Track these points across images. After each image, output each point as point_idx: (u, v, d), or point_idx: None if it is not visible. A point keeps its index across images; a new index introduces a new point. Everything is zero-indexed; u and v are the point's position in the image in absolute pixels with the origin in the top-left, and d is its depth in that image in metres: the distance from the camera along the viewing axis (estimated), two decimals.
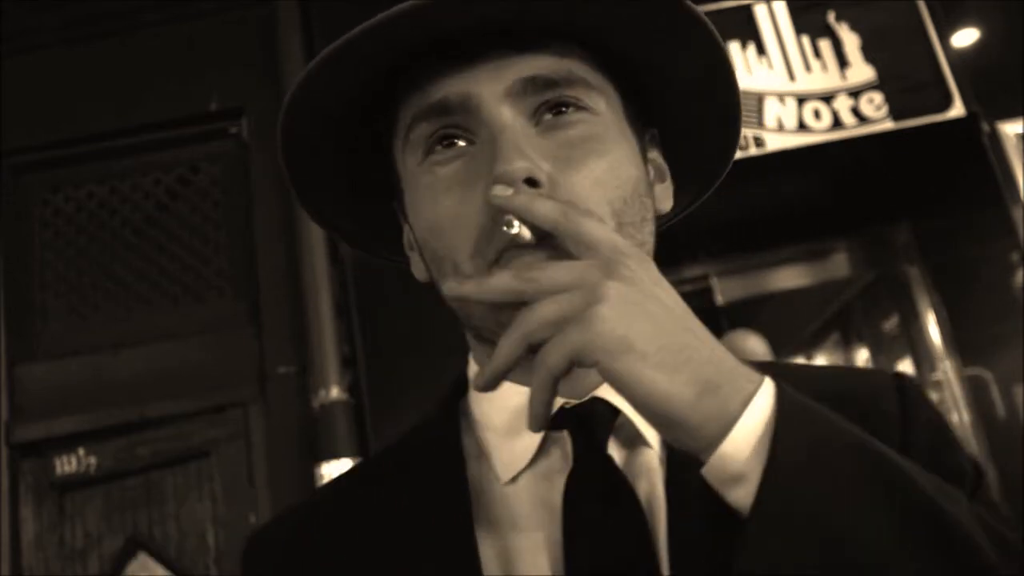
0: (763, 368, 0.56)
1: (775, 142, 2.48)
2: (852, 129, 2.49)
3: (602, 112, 0.62)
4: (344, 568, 0.63)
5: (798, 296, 3.35)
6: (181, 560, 2.31)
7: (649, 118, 0.69)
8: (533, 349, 0.49)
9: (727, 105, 0.69)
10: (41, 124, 2.63)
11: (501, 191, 0.55)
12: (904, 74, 2.54)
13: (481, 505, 0.62)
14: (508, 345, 0.49)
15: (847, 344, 3.76)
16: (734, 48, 2.51)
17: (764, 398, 0.48)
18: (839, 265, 3.18)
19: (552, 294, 0.49)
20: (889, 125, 2.49)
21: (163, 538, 2.34)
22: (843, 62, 2.55)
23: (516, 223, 0.54)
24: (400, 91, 0.63)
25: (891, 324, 3.20)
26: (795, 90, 2.53)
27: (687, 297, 0.54)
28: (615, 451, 0.60)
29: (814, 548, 0.45)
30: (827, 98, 2.52)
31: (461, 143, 0.60)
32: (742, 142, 0.74)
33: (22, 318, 2.53)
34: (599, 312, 0.47)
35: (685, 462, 0.51)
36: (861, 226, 2.99)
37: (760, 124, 2.49)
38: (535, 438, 0.61)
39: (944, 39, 2.56)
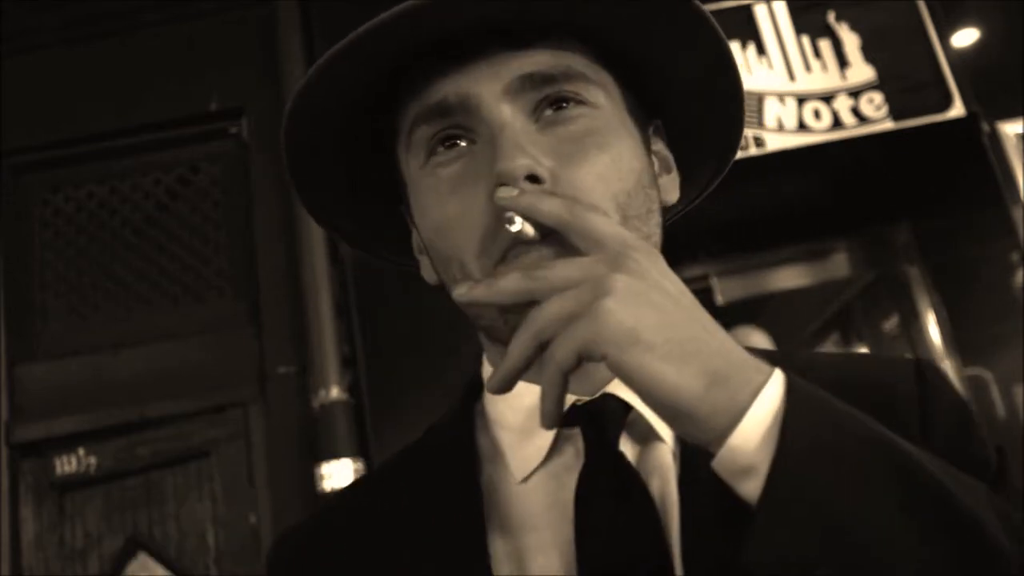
0: (780, 357, 0.55)
1: (775, 142, 2.48)
2: (852, 129, 2.49)
3: (602, 106, 0.61)
4: (362, 571, 0.64)
5: (798, 296, 3.34)
6: (181, 560, 2.31)
7: (652, 110, 0.69)
8: (544, 347, 0.49)
9: (730, 97, 0.69)
10: (41, 124, 2.63)
11: (506, 192, 0.55)
12: (904, 74, 2.54)
13: (496, 505, 0.62)
14: (519, 345, 0.49)
15: (847, 344, 3.76)
16: (734, 48, 2.50)
17: (773, 389, 0.48)
18: (839, 265, 3.18)
19: (561, 291, 0.49)
20: (889, 125, 2.49)
21: (163, 538, 2.34)
22: (843, 62, 2.55)
23: (518, 220, 0.54)
24: (401, 93, 0.63)
25: (891, 324, 3.19)
26: (795, 90, 2.53)
27: None
28: (628, 447, 0.60)
29: (823, 537, 0.44)
30: (827, 98, 2.52)
31: (462, 143, 0.61)
32: (742, 142, 0.74)
33: (22, 318, 2.53)
34: (606, 305, 0.47)
35: (698, 456, 0.50)
36: (861, 226, 2.99)
37: (760, 124, 2.49)
38: (548, 436, 0.61)
39: (944, 39, 2.56)
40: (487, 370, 0.69)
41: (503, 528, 0.61)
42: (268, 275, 2.49)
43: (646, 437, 0.61)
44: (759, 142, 2.47)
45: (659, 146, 0.69)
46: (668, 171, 0.69)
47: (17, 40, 2.61)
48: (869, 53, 2.55)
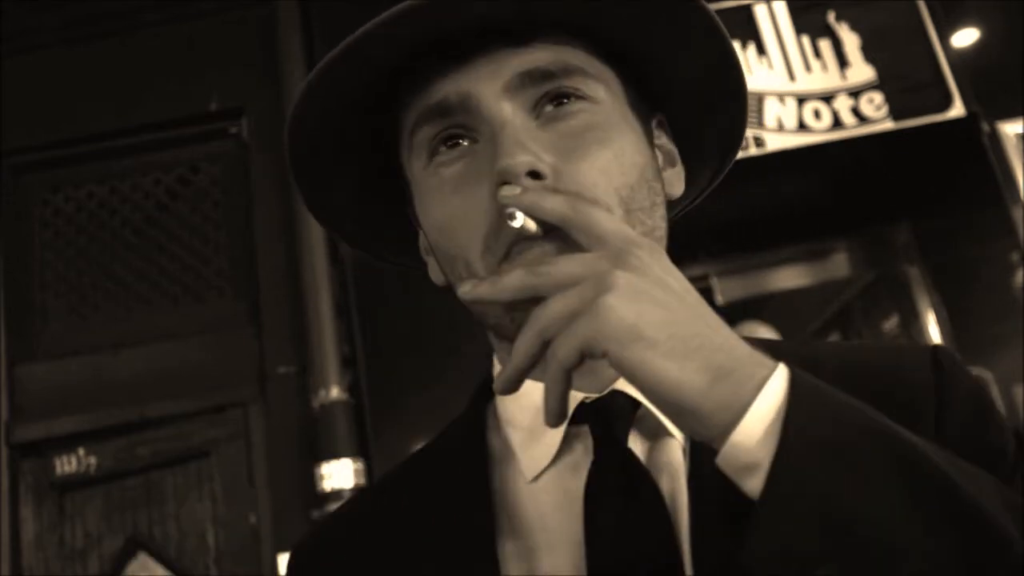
0: (787, 348, 0.54)
1: (775, 142, 2.48)
2: (852, 129, 2.49)
3: (603, 100, 0.61)
4: (376, 573, 0.65)
5: (798, 296, 3.34)
6: (181, 560, 2.31)
7: (655, 103, 0.68)
8: (549, 345, 0.49)
9: (732, 97, 0.69)
10: (41, 124, 2.63)
11: (508, 190, 0.55)
12: (904, 74, 2.54)
13: (506, 504, 0.62)
14: (523, 344, 0.49)
15: None
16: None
17: (777, 383, 0.47)
18: (839, 265, 3.18)
19: (564, 286, 0.49)
20: (889, 125, 2.49)
21: (163, 538, 2.34)
22: (843, 62, 2.55)
23: (519, 215, 0.54)
24: (402, 94, 0.63)
25: (891, 324, 3.19)
26: (795, 90, 2.53)
27: None
28: (637, 444, 0.60)
29: (826, 532, 0.44)
30: (827, 98, 2.52)
31: (464, 143, 0.61)
32: (742, 142, 0.74)
33: (22, 318, 2.53)
34: (607, 302, 0.47)
35: (708, 453, 0.50)
36: (861, 226, 2.99)
37: (760, 124, 2.49)
38: (557, 435, 0.61)
39: (944, 39, 2.56)
40: (497, 369, 0.69)
41: (513, 527, 0.61)
42: (268, 275, 2.49)
43: (656, 433, 0.60)
44: (759, 142, 2.47)
45: (662, 140, 0.69)
46: (672, 165, 0.69)
47: (17, 40, 2.61)
48: (869, 53, 2.55)
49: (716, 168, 0.75)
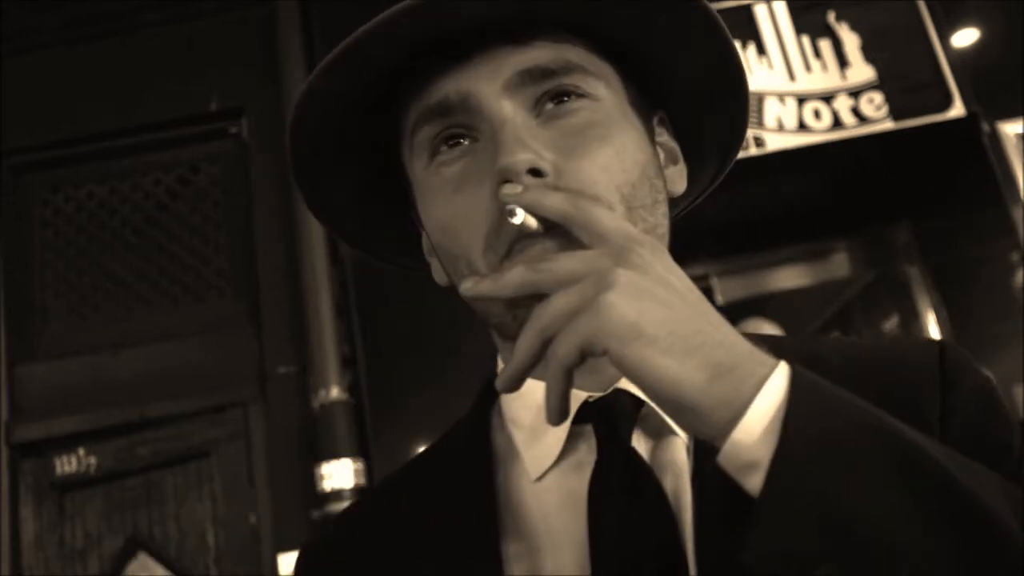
0: (792, 344, 0.54)
1: (775, 142, 2.48)
2: (852, 129, 2.49)
3: (603, 98, 0.61)
4: (381, 573, 0.65)
5: (798, 296, 3.34)
6: (181, 560, 2.31)
7: (656, 100, 0.68)
8: (550, 344, 0.49)
9: (733, 97, 0.69)
10: (41, 124, 2.63)
11: (510, 188, 0.55)
12: (904, 74, 2.54)
13: (511, 504, 0.62)
14: (524, 342, 0.49)
15: None
16: None
17: (777, 381, 0.47)
18: (839, 265, 3.18)
19: (565, 283, 0.49)
20: (889, 125, 2.49)
21: (163, 538, 2.34)
22: (843, 62, 2.55)
23: (520, 211, 0.54)
24: (403, 94, 0.63)
25: (891, 324, 3.19)
26: (795, 90, 2.53)
27: None
28: (641, 443, 0.59)
29: (825, 531, 0.44)
30: (827, 98, 2.52)
31: (465, 142, 0.61)
32: (743, 141, 0.74)
33: (22, 318, 2.53)
34: (607, 300, 0.47)
35: (712, 451, 0.50)
36: (861, 226, 2.99)
37: (760, 124, 2.49)
38: (561, 434, 0.61)
39: (944, 39, 2.56)
40: (501, 368, 0.69)
41: (517, 527, 0.61)
42: (268, 275, 2.49)
43: (659, 432, 0.60)
44: (759, 142, 2.47)
45: (664, 137, 0.69)
46: (674, 162, 0.69)
47: (17, 40, 2.61)
48: (869, 53, 2.55)
49: (718, 167, 0.74)
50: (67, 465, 2.38)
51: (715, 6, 0.62)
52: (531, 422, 0.63)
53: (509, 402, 0.67)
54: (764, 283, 3.14)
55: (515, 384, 0.51)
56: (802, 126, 2.50)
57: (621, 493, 0.56)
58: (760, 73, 2.53)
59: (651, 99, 0.68)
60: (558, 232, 0.54)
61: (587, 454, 0.60)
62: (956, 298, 2.81)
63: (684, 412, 0.48)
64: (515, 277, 0.51)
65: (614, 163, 0.59)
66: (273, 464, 2.33)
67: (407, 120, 0.63)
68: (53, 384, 2.45)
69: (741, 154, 0.74)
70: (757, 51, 2.56)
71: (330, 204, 0.71)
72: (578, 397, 0.60)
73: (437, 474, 0.69)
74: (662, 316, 0.47)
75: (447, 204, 0.60)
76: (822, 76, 2.54)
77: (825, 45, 2.57)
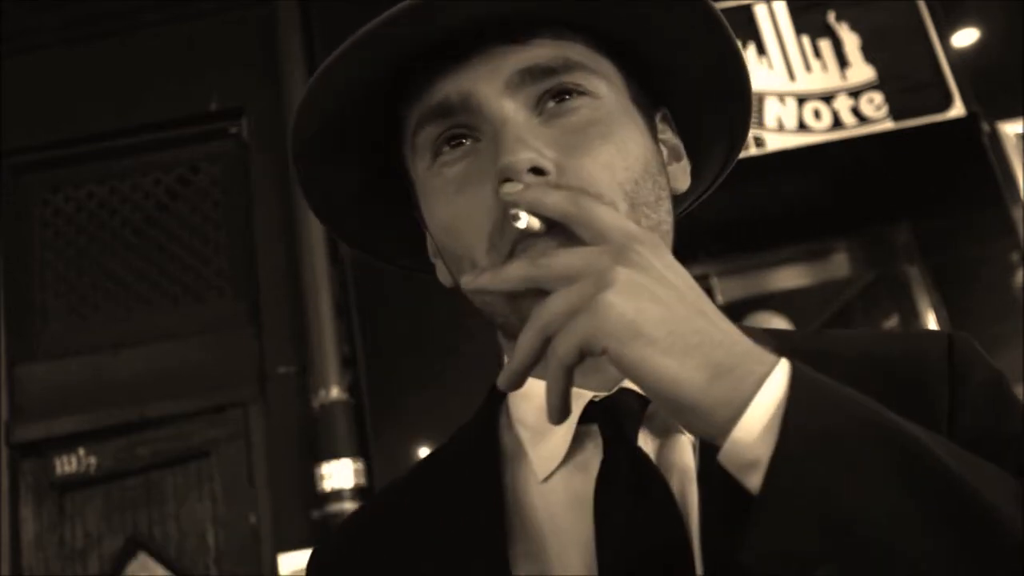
0: (796, 340, 0.53)
1: (775, 142, 2.48)
2: (852, 129, 2.49)
3: (605, 95, 0.61)
4: (389, 573, 0.65)
5: (798, 296, 3.34)
6: (181, 560, 2.31)
7: (658, 97, 0.68)
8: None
9: (735, 97, 0.69)
10: (41, 124, 2.63)
11: (511, 187, 0.55)
12: (904, 74, 2.54)
13: (518, 504, 0.62)
14: (525, 341, 0.49)
15: None
16: None
17: (777, 379, 0.47)
18: (839, 265, 3.18)
19: (565, 277, 0.49)
20: (889, 125, 2.49)
21: (163, 538, 2.34)
22: (843, 62, 2.55)
23: (523, 216, 0.54)
24: (404, 95, 0.63)
25: (891, 324, 3.19)
26: (795, 90, 2.53)
27: None
28: (647, 442, 0.59)
29: (825, 530, 0.44)
30: (827, 98, 2.52)
31: (467, 142, 0.61)
32: (746, 139, 0.74)
33: (22, 318, 2.54)
34: (606, 299, 0.47)
35: (717, 450, 0.49)
36: (861, 226, 2.99)
37: (760, 124, 2.49)
38: (568, 434, 0.61)
39: (944, 39, 2.56)
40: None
41: (524, 527, 0.61)
42: (268, 275, 2.49)
43: (666, 431, 0.60)
44: (759, 142, 2.47)
45: (667, 134, 0.68)
46: (678, 159, 0.68)
47: (17, 40, 2.61)
48: (869, 53, 2.55)
49: (722, 163, 0.74)
50: (67, 465, 2.38)
51: (716, 6, 0.62)
52: (538, 422, 0.63)
53: (516, 402, 0.67)
54: (764, 283, 3.14)
55: (517, 382, 0.51)
56: (802, 126, 2.50)
57: (627, 493, 0.56)
58: (760, 73, 2.53)
59: (653, 96, 0.67)
60: (560, 231, 0.54)
61: (594, 454, 0.60)
62: (956, 298, 2.81)
63: (684, 412, 0.47)
64: (515, 271, 0.51)
65: (616, 160, 0.59)
66: (273, 464, 2.33)
67: (408, 121, 0.63)
68: (53, 384, 2.45)
69: (741, 154, 0.74)
70: (757, 51, 2.56)
71: (331, 204, 0.71)
72: (584, 397, 0.60)
73: (446, 474, 0.69)
74: (661, 315, 0.47)
75: (450, 204, 0.60)
76: (822, 76, 2.54)
77: (825, 45, 2.57)
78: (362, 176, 0.70)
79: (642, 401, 0.59)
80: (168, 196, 2.64)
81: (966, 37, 2.65)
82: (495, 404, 0.69)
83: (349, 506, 2.17)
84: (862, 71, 2.54)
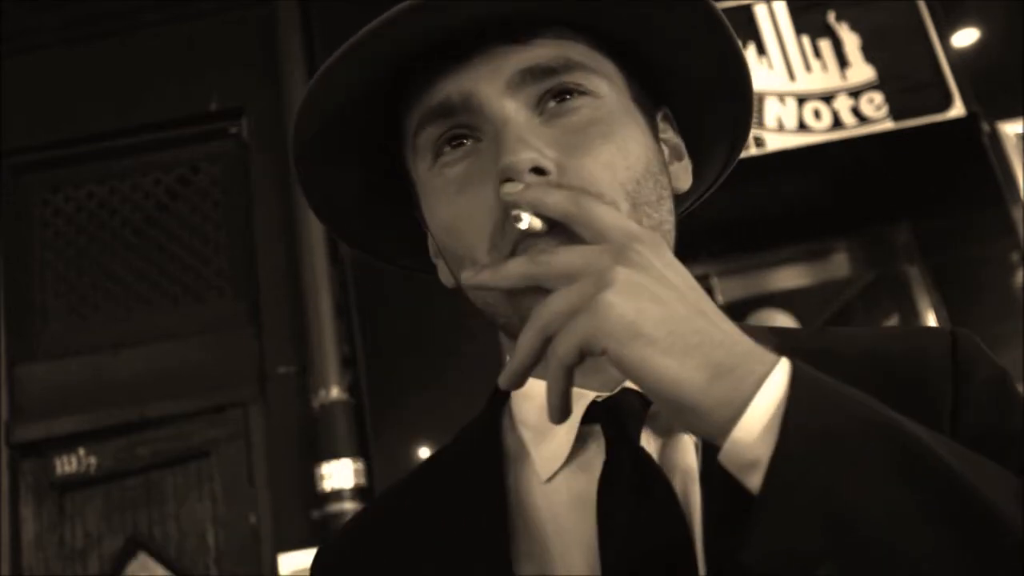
0: (799, 337, 0.53)
1: (775, 142, 2.48)
2: (852, 129, 2.49)
3: (605, 95, 0.61)
4: (393, 574, 0.66)
5: (798, 296, 3.34)
6: (181, 560, 2.31)
7: (660, 97, 0.68)
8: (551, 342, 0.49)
9: (736, 98, 0.69)
10: (41, 124, 2.63)
11: (511, 187, 0.55)
12: (904, 74, 2.54)
13: (521, 504, 0.62)
14: (525, 340, 0.49)
15: None
16: None
17: (778, 378, 0.47)
18: (839, 265, 3.18)
19: (565, 275, 0.49)
20: (889, 125, 2.49)
21: (163, 538, 2.34)
22: (843, 62, 2.55)
23: (525, 217, 0.54)
24: (405, 95, 0.63)
25: (891, 324, 3.19)
26: (795, 90, 2.53)
27: None
28: (650, 442, 0.59)
29: (826, 529, 0.43)
30: (827, 98, 2.52)
31: (468, 142, 0.61)
32: (747, 139, 0.74)
33: (22, 318, 2.54)
34: (607, 299, 0.47)
35: (719, 450, 0.49)
36: (861, 226, 2.99)
37: (760, 124, 2.49)
38: (570, 434, 0.61)
39: (944, 39, 2.56)
40: None
41: (527, 528, 0.61)
42: (268, 275, 2.49)
43: (668, 431, 0.60)
44: (759, 142, 2.47)
45: (668, 134, 0.68)
46: (679, 158, 0.68)
47: (17, 40, 2.61)
48: (869, 53, 2.55)
49: (724, 162, 0.74)
50: (67, 465, 2.38)
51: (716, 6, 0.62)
52: (540, 423, 0.63)
53: (519, 403, 0.67)
54: (764, 283, 3.14)
55: (517, 381, 0.51)
56: (802, 126, 2.50)
57: (630, 493, 0.56)
58: (760, 73, 2.53)
59: (655, 96, 0.67)
60: (561, 230, 0.54)
61: (596, 454, 0.60)
62: (956, 298, 2.81)
63: (684, 412, 0.47)
64: (515, 268, 0.51)
65: (617, 160, 0.58)
66: (273, 464, 2.33)
67: (409, 121, 0.63)
68: (53, 384, 2.45)
69: (741, 154, 0.74)
70: (757, 51, 2.56)
71: (332, 205, 0.71)
72: (586, 397, 0.60)
73: (449, 475, 0.69)
74: (661, 315, 0.47)
75: (451, 205, 0.60)
76: (822, 76, 2.54)
77: (825, 45, 2.57)
78: (363, 177, 0.70)
79: (644, 401, 0.59)
80: (168, 196, 2.64)
81: (966, 37, 2.65)
82: (498, 405, 0.69)
83: (349, 506, 2.17)
84: (862, 71, 2.54)
